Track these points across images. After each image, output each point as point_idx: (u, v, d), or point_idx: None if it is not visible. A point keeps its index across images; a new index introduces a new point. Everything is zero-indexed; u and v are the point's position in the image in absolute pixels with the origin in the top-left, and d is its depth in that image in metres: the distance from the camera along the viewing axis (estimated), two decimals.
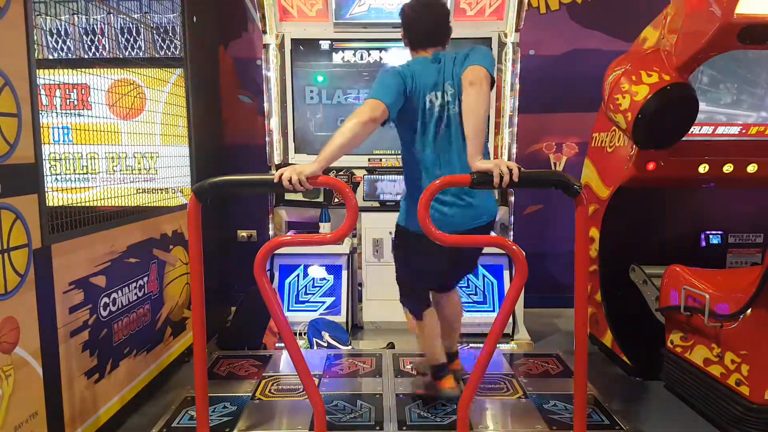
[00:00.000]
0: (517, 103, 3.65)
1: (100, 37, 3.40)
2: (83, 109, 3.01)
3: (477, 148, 1.99)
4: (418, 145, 2.29)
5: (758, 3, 2.23)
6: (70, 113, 2.91)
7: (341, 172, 3.73)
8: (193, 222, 1.91)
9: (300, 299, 3.68)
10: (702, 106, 2.58)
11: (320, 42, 3.77)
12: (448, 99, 2.23)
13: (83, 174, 2.72)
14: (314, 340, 3.36)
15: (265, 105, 3.72)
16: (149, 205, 2.91)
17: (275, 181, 1.89)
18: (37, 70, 1.92)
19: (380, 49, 3.80)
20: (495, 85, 2.24)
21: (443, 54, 2.29)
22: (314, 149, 3.88)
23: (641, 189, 3.04)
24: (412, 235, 2.28)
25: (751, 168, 2.85)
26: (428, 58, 2.30)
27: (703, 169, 2.84)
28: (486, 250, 3.51)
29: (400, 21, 2.38)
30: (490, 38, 3.70)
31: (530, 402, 2.49)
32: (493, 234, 3.76)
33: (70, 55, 3.39)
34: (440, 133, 2.26)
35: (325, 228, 3.70)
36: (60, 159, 2.26)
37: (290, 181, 1.87)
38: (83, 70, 2.71)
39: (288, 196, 3.75)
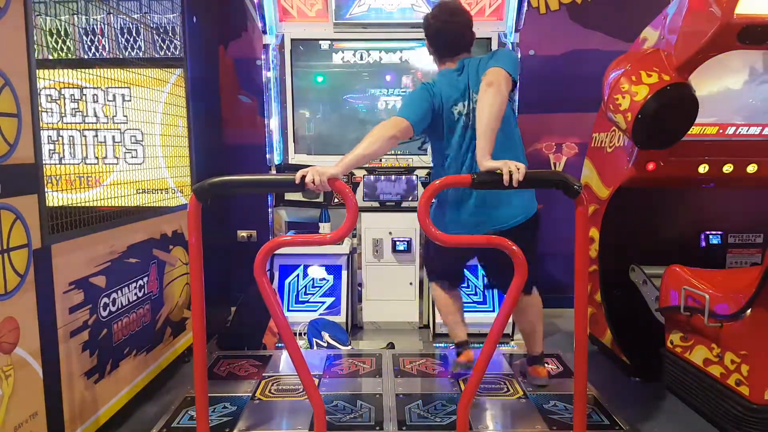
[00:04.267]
0: (517, 104, 3.65)
1: (100, 38, 3.40)
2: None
3: (485, 147, 2.01)
4: (445, 152, 2.38)
5: (758, 3, 2.23)
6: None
7: None
8: (193, 222, 1.90)
9: (300, 299, 3.68)
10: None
11: (320, 42, 3.77)
12: (474, 106, 2.27)
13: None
14: (314, 340, 3.36)
15: (265, 105, 3.72)
16: (149, 205, 2.91)
17: (297, 182, 1.91)
18: (37, 70, 1.92)
19: (380, 50, 3.80)
20: (516, 86, 2.29)
21: (468, 60, 2.35)
22: (314, 149, 3.89)
23: (641, 189, 3.04)
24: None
25: (751, 168, 2.85)
26: (453, 69, 2.36)
27: (703, 169, 2.84)
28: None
29: (423, 32, 2.45)
30: (490, 38, 3.70)
31: (530, 402, 2.49)
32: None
33: (69, 55, 3.38)
34: (467, 142, 2.32)
35: (325, 228, 3.70)
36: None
37: (312, 182, 1.90)
38: (83, 70, 2.71)
39: (288, 196, 3.75)
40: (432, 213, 2.45)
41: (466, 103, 2.31)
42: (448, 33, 2.38)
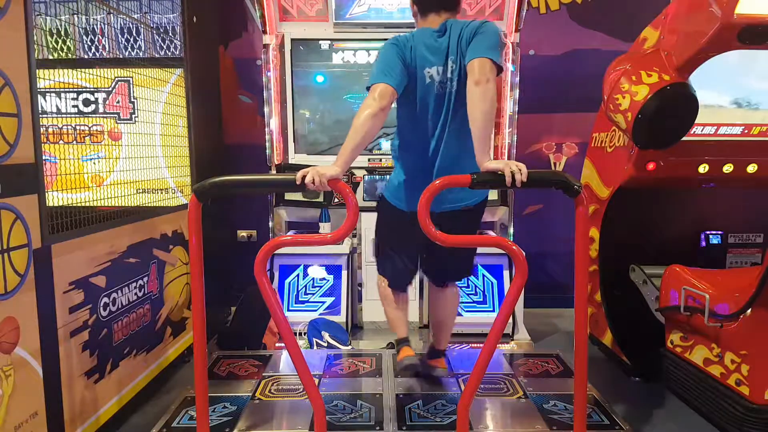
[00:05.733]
0: (517, 103, 3.66)
1: (100, 37, 3.40)
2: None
3: (483, 148, 1.97)
4: (414, 121, 2.24)
5: (758, 3, 2.23)
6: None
7: None
8: (194, 222, 1.90)
9: (300, 299, 3.68)
10: None
11: (320, 42, 3.77)
12: (449, 76, 2.15)
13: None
14: (314, 340, 3.36)
15: (265, 105, 3.72)
16: (149, 205, 2.91)
17: (297, 182, 1.90)
18: (37, 70, 1.92)
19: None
20: (502, 72, 2.13)
21: (451, 23, 2.17)
22: (314, 149, 3.89)
23: (641, 189, 3.04)
24: (397, 212, 2.34)
25: (751, 168, 2.85)
26: (434, 30, 2.19)
27: (703, 169, 2.84)
28: (486, 250, 3.55)
29: None
30: None
31: (530, 402, 2.49)
32: (492, 233, 3.79)
33: (69, 55, 3.39)
34: (438, 111, 2.19)
35: (325, 228, 3.70)
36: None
37: (313, 182, 1.88)
38: (83, 70, 2.72)
39: (288, 196, 3.75)
40: (390, 189, 2.41)
41: (442, 69, 2.14)
42: None
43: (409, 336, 2.65)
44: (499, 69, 2.07)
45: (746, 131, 2.81)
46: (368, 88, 2.14)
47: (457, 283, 2.66)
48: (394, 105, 2.19)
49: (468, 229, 2.38)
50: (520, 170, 1.84)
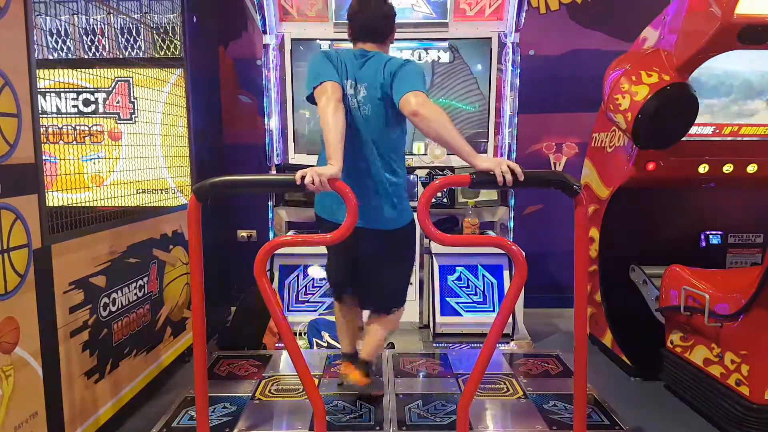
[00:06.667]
0: (517, 103, 3.66)
1: (100, 37, 3.40)
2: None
3: (465, 150, 1.98)
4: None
5: (758, 3, 2.23)
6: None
7: None
8: (193, 222, 1.91)
9: (300, 299, 3.68)
10: None
11: (320, 42, 3.77)
12: (360, 99, 2.21)
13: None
14: (314, 340, 3.36)
15: (265, 105, 3.72)
16: (149, 205, 2.91)
17: (297, 182, 1.90)
18: (37, 70, 1.92)
19: None
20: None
21: (374, 53, 2.25)
22: (314, 149, 3.88)
23: (641, 189, 3.04)
24: (324, 222, 2.33)
25: (751, 168, 2.85)
26: (356, 51, 2.27)
27: (703, 169, 2.84)
28: (486, 250, 3.56)
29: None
30: (490, 38, 3.70)
31: (530, 402, 2.49)
32: (492, 233, 3.80)
33: (70, 55, 3.39)
34: (350, 127, 2.19)
35: None
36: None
37: (312, 182, 1.88)
38: (83, 70, 2.71)
39: (288, 196, 3.75)
40: (317, 202, 2.37)
41: (353, 88, 2.21)
42: (363, 17, 2.27)
43: (355, 353, 2.57)
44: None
45: (717, 131, 2.81)
46: (311, 96, 2.18)
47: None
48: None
49: (389, 251, 2.34)
50: (513, 170, 1.85)
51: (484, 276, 3.68)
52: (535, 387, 2.63)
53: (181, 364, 3.17)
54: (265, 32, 3.63)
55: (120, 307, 2.52)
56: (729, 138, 2.82)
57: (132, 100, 3.20)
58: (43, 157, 1.95)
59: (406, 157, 3.73)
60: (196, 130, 3.30)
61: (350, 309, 2.58)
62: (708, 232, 3.25)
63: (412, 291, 3.70)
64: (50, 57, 3.29)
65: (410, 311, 3.72)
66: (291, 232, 3.92)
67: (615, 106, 2.63)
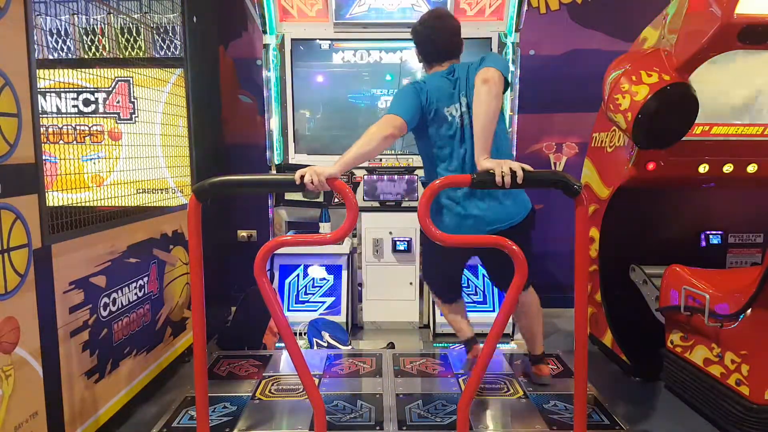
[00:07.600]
0: (517, 103, 3.66)
1: (100, 37, 3.40)
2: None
3: (483, 146, 2.01)
4: (433, 151, 2.35)
5: (758, 3, 2.23)
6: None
7: None
8: (193, 222, 1.90)
9: (300, 299, 3.68)
10: None
11: (320, 42, 3.77)
12: (464, 110, 2.28)
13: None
14: (314, 340, 3.36)
15: (265, 105, 3.72)
16: (149, 205, 2.91)
17: (297, 182, 1.91)
18: (37, 70, 1.92)
19: (380, 50, 3.80)
20: (510, 88, 2.28)
21: (458, 66, 2.34)
22: (314, 149, 3.89)
23: (641, 189, 3.04)
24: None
25: (751, 168, 2.85)
26: (443, 72, 2.35)
27: (703, 169, 2.84)
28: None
29: (413, 40, 2.44)
30: (490, 38, 3.70)
31: (530, 402, 2.49)
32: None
33: (70, 55, 3.39)
34: (462, 140, 2.30)
35: (325, 228, 3.70)
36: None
37: (312, 182, 1.90)
38: (83, 70, 2.71)
39: (288, 196, 3.75)
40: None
41: (457, 106, 2.30)
42: (435, 39, 2.36)
43: (473, 335, 2.71)
44: (507, 84, 2.18)
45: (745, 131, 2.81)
46: (385, 114, 2.26)
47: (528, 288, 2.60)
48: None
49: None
50: (514, 171, 1.85)
51: (484, 276, 3.68)
52: (535, 387, 2.63)
53: (181, 364, 3.17)
54: (265, 32, 3.63)
55: (120, 307, 2.52)
56: (729, 138, 2.82)
57: (132, 100, 3.20)
58: (44, 157, 1.95)
59: (408, 157, 3.77)
60: (196, 130, 3.30)
61: (455, 306, 2.71)
62: (708, 232, 3.25)
63: (412, 291, 3.71)
64: (50, 57, 3.29)
65: (410, 311, 3.73)
66: (291, 232, 3.92)
67: (615, 106, 2.63)
